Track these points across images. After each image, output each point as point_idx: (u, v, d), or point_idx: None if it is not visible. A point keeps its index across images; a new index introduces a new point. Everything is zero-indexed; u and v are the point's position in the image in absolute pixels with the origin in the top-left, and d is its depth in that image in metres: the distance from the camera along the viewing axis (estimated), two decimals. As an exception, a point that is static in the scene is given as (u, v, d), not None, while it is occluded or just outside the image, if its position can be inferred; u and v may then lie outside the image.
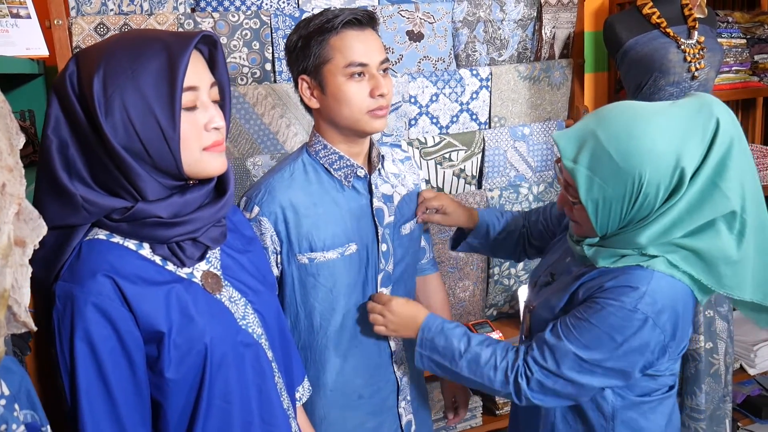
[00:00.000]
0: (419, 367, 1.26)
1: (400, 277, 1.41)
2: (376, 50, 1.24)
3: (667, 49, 2.08)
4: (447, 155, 2.15)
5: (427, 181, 2.15)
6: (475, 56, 2.22)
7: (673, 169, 1.01)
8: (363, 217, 1.33)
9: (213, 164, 0.92)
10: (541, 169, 2.32)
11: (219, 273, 0.98)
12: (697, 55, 2.08)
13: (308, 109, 1.31)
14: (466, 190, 2.22)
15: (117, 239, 0.90)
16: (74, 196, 0.85)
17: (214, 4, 1.91)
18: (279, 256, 1.29)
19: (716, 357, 2.19)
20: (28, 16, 1.61)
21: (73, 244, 0.87)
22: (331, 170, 1.30)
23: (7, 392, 0.65)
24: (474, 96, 2.20)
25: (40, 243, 0.66)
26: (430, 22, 2.11)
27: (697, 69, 2.08)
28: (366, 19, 1.24)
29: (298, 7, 1.99)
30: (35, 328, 0.64)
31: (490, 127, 2.26)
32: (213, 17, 1.87)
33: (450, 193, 2.19)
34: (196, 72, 0.89)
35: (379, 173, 1.37)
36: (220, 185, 0.97)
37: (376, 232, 1.34)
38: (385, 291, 1.37)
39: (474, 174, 2.22)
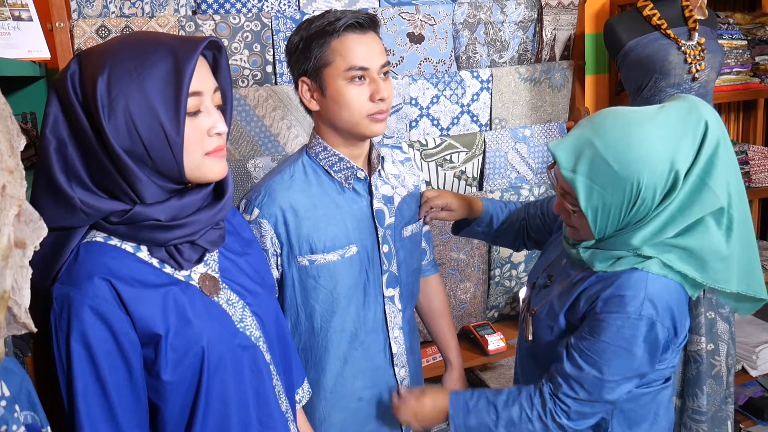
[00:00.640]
0: None
1: (407, 280, 1.41)
2: (376, 54, 1.24)
3: (667, 51, 2.08)
4: (448, 157, 2.16)
5: (428, 183, 2.15)
6: (476, 58, 2.22)
7: (669, 172, 1.04)
8: (363, 218, 1.33)
9: (214, 169, 0.92)
10: (542, 171, 2.32)
11: (217, 276, 0.98)
12: (698, 57, 2.08)
13: (308, 110, 1.31)
14: (467, 192, 2.22)
15: (115, 242, 0.90)
16: (72, 199, 0.85)
17: (215, 6, 1.92)
18: (279, 258, 1.29)
19: (718, 359, 2.19)
20: (30, 19, 1.62)
21: (71, 247, 0.87)
22: (331, 172, 1.30)
23: (7, 393, 0.65)
24: (475, 98, 2.21)
25: (37, 245, 0.66)
26: (430, 24, 2.12)
27: (697, 70, 2.08)
28: (367, 23, 1.24)
29: (299, 9, 1.99)
30: (35, 330, 0.64)
31: (490, 129, 2.26)
32: (214, 19, 1.87)
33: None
34: (201, 77, 0.89)
35: (379, 174, 1.37)
36: (218, 188, 0.97)
37: (377, 234, 1.34)
38: (392, 292, 1.37)
39: (475, 176, 2.23)
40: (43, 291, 0.87)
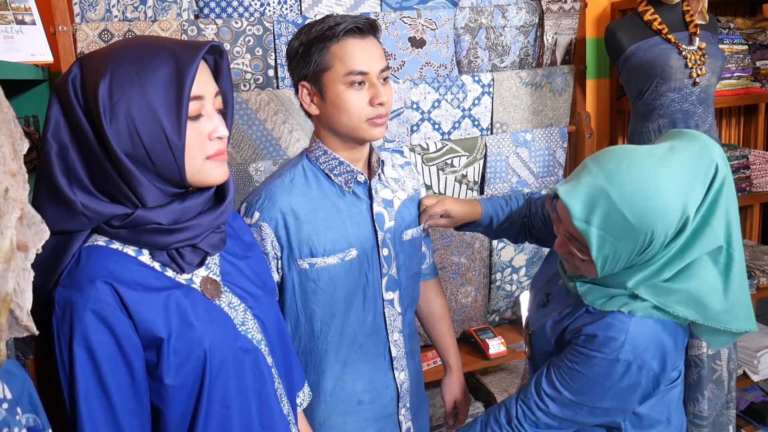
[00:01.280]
0: None
1: (407, 284, 1.42)
2: (376, 59, 1.24)
3: (668, 55, 2.08)
4: (449, 161, 2.16)
5: (429, 187, 2.15)
6: (477, 62, 2.23)
7: (680, 219, 1.03)
8: (363, 222, 1.33)
9: (215, 173, 0.92)
10: (543, 175, 2.32)
11: (218, 279, 0.98)
12: (699, 61, 2.09)
13: (308, 115, 1.32)
14: (468, 196, 2.23)
15: (116, 245, 0.90)
16: (73, 202, 0.85)
17: (217, 10, 1.92)
18: (279, 262, 1.29)
19: (719, 363, 2.19)
20: (33, 23, 1.63)
21: (73, 251, 0.87)
22: (331, 176, 1.31)
23: (9, 396, 0.65)
24: (476, 102, 2.21)
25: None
26: (432, 29, 2.12)
27: (698, 75, 2.08)
28: (367, 27, 1.24)
29: (301, 13, 2.00)
30: (37, 332, 0.64)
31: (492, 133, 2.27)
32: (216, 24, 1.88)
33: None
34: (202, 81, 0.89)
35: (379, 178, 1.37)
36: (219, 192, 0.97)
37: (376, 237, 1.35)
38: (391, 295, 1.37)
39: (476, 180, 2.23)
40: (44, 295, 0.87)
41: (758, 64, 2.62)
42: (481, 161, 2.21)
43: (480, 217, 1.47)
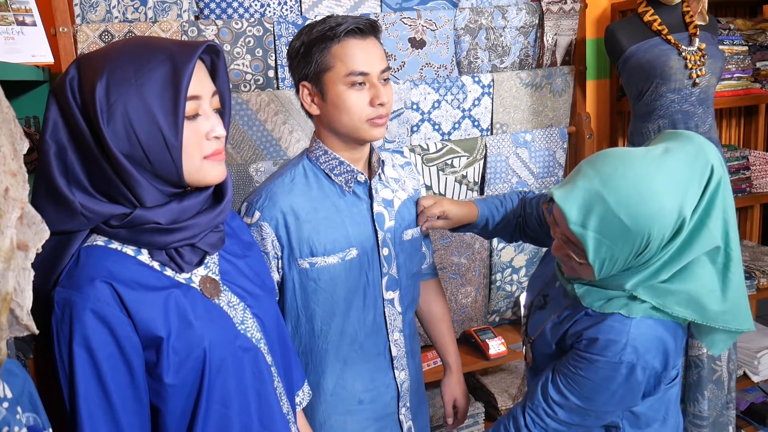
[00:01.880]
0: None
1: (407, 284, 1.42)
2: (377, 59, 1.25)
3: (668, 56, 2.09)
4: (449, 161, 2.16)
5: (429, 187, 2.16)
6: (477, 63, 2.23)
7: (677, 221, 1.03)
8: (363, 221, 1.33)
9: (213, 173, 0.93)
10: (543, 176, 2.32)
11: (217, 278, 0.98)
12: (698, 62, 2.09)
13: (309, 115, 1.32)
14: (468, 197, 2.23)
15: (115, 245, 0.90)
16: (72, 203, 0.85)
17: (217, 11, 1.93)
18: (280, 261, 1.30)
19: (719, 364, 2.19)
20: (34, 24, 1.63)
21: (72, 251, 0.87)
22: (332, 175, 1.31)
23: (9, 395, 0.65)
24: (476, 103, 2.21)
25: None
26: (432, 30, 2.12)
27: (698, 76, 2.08)
28: (368, 28, 1.25)
29: (301, 14, 2.00)
30: (37, 331, 0.65)
31: (492, 134, 2.27)
32: (216, 25, 1.89)
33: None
34: (199, 81, 0.90)
35: (380, 178, 1.37)
36: (218, 191, 0.98)
37: (377, 237, 1.35)
38: (392, 295, 1.38)
39: (476, 180, 2.23)
40: (44, 295, 0.87)
41: (758, 65, 2.62)
42: (481, 162, 2.21)
43: (477, 218, 1.47)
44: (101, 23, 1.79)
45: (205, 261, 0.97)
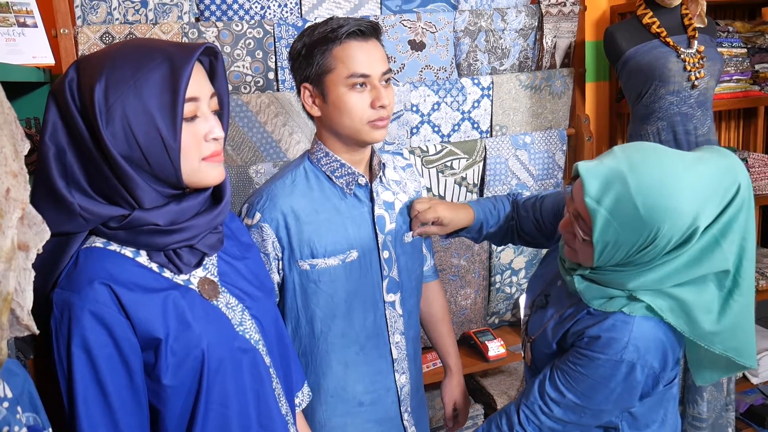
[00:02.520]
0: None
1: (409, 286, 1.42)
2: (378, 61, 1.25)
3: (667, 58, 2.09)
4: (448, 163, 2.16)
5: (429, 189, 2.16)
6: (477, 65, 2.24)
7: (689, 227, 1.02)
8: (364, 224, 1.34)
9: (211, 174, 0.93)
10: (543, 178, 2.33)
11: (216, 279, 0.98)
12: (697, 65, 2.09)
13: (310, 116, 1.32)
14: (467, 199, 2.23)
15: (114, 247, 0.90)
16: (71, 204, 0.85)
17: (218, 13, 1.93)
18: (280, 263, 1.30)
19: (718, 366, 2.18)
20: (35, 25, 1.64)
21: (71, 252, 0.88)
22: (333, 177, 1.31)
23: (9, 395, 0.65)
24: (475, 105, 2.22)
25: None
26: (431, 32, 2.13)
27: (696, 78, 2.09)
28: (370, 30, 1.25)
29: (301, 16, 2.01)
30: (37, 331, 0.65)
31: (491, 136, 2.27)
32: (217, 26, 1.89)
33: (452, 201, 2.20)
34: (198, 83, 0.90)
35: (381, 181, 1.38)
36: (216, 192, 0.98)
37: (377, 240, 1.35)
38: (393, 297, 1.38)
39: (475, 182, 2.23)
40: (43, 296, 0.87)
41: (757, 67, 2.63)
42: (481, 164, 2.22)
43: (473, 221, 1.44)
44: (102, 25, 1.79)
45: (204, 262, 0.98)
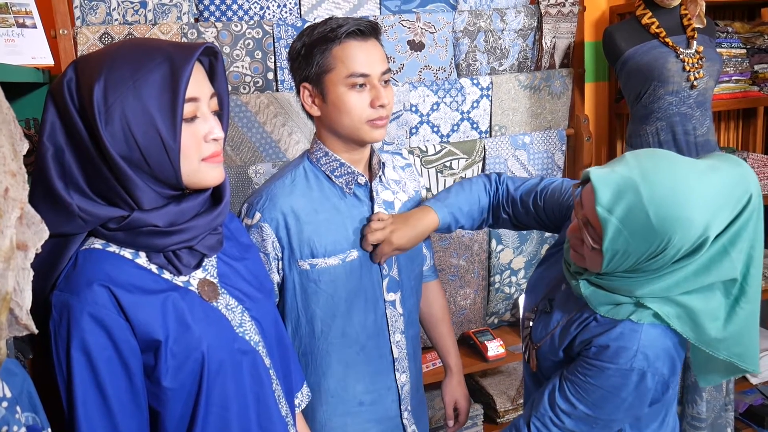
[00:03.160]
0: None
1: (409, 285, 1.42)
2: (378, 61, 1.25)
3: (666, 59, 2.09)
4: (448, 163, 2.17)
5: (428, 189, 2.16)
6: (476, 65, 2.24)
7: (699, 237, 1.01)
8: (363, 223, 1.33)
9: (211, 174, 0.92)
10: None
11: (215, 281, 0.98)
12: (696, 65, 2.10)
13: (310, 116, 1.32)
14: (466, 199, 2.23)
15: (113, 248, 0.90)
16: (70, 205, 0.85)
17: (217, 14, 1.93)
18: (280, 262, 1.30)
19: (718, 366, 2.18)
20: (34, 26, 1.64)
21: (69, 254, 0.87)
22: (332, 177, 1.31)
23: (9, 394, 0.65)
24: (475, 105, 2.22)
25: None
26: (431, 32, 2.13)
27: (695, 78, 2.09)
28: (369, 30, 1.25)
29: (301, 17, 2.01)
30: (36, 331, 0.65)
31: (490, 136, 2.28)
32: (216, 27, 1.89)
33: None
34: (197, 83, 0.90)
35: (380, 180, 1.38)
36: (216, 193, 0.97)
37: (377, 239, 1.35)
38: (393, 296, 1.38)
39: (475, 182, 2.23)
40: (41, 298, 0.86)
41: (756, 67, 2.63)
42: (480, 164, 2.22)
43: (437, 225, 1.37)
44: (101, 25, 1.79)
45: (204, 264, 0.97)
